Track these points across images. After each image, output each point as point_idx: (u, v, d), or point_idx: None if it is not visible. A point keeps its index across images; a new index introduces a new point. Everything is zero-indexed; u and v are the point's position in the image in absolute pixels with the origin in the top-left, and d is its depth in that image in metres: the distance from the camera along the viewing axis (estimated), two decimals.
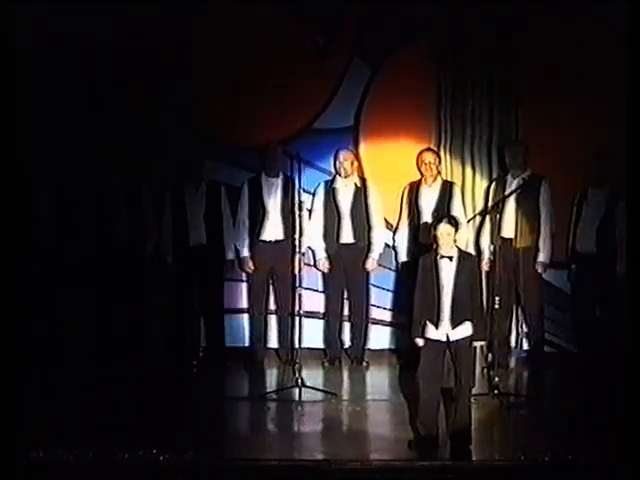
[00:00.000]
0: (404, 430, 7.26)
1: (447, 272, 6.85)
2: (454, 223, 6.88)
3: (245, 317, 9.58)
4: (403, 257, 9.40)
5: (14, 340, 6.36)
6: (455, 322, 6.82)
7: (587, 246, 9.08)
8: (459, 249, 6.94)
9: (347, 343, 9.57)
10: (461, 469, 6.54)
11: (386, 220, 9.49)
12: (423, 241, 9.11)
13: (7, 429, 6.09)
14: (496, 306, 8.41)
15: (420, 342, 6.93)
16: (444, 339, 6.85)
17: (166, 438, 6.89)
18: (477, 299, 6.91)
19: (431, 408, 6.90)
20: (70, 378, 8.40)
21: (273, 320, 9.57)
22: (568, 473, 6.51)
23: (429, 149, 9.38)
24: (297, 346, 8.63)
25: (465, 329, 6.84)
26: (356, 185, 9.34)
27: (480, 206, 9.48)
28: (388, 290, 9.62)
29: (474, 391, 8.27)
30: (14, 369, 6.28)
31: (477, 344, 6.96)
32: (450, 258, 6.85)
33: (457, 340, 6.84)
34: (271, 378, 9.16)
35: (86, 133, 9.25)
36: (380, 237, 9.38)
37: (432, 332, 6.86)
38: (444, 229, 6.82)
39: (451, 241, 6.84)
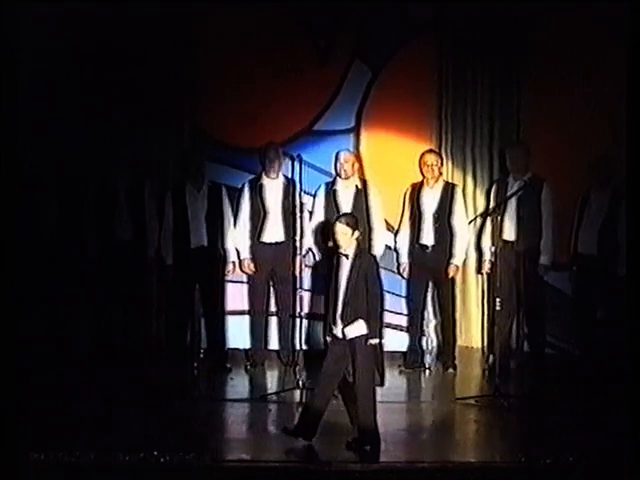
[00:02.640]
0: (405, 431, 7.26)
1: (344, 270, 6.88)
2: (351, 224, 6.87)
3: (246, 319, 9.57)
4: (404, 259, 9.39)
5: (14, 341, 6.35)
6: (346, 320, 6.82)
7: (589, 248, 9.06)
8: (358, 248, 6.92)
9: None
10: (461, 470, 6.53)
11: (387, 222, 9.48)
12: (424, 242, 9.17)
13: (7, 431, 6.08)
14: (497, 308, 8.41)
15: (328, 339, 6.98)
16: (342, 337, 6.86)
17: (167, 440, 6.88)
18: (372, 298, 6.84)
19: (321, 400, 6.92)
20: (71, 379, 8.40)
21: (274, 322, 9.57)
22: (569, 475, 6.49)
23: (431, 150, 9.36)
24: (298, 348, 8.62)
25: (358, 327, 6.81)
26: (357, 187, 9.33)
27: (482, 208, 9.47)
28: (390, 293, 9.61)
29: (475, 392, 8.37)
30: (14, 370, 6.27)
31: (373, 342, 6.85)
32: (347, 256, 6.87)
33: (352, 338, 6.83)
34: (272, 380, 9.16)
35: (87, 134, 9.27)
36: (380, 239, 9.36)
37: (333, 330, 6.91)
38: (339, 229, 6.86)
39: (349, 241, 6.85)
